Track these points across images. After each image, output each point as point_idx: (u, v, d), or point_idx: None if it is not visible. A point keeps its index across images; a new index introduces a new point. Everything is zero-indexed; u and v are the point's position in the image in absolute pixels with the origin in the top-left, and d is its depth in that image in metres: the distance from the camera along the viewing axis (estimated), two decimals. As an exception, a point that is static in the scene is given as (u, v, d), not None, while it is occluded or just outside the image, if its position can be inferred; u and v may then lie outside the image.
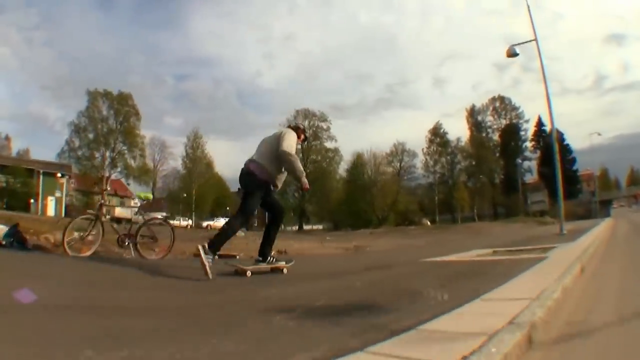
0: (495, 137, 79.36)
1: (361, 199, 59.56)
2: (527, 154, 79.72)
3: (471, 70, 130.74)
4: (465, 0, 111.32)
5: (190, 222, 55.76)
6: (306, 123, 67.47)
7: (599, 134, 50.19)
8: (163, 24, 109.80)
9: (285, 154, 5.14)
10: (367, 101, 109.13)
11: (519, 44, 16.13)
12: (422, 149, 74.20)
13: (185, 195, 62.22)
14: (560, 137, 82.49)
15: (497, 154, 77.93)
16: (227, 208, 61.64)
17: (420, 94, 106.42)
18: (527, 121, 78.74)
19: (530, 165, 79.50)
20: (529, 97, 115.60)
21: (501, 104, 78.90)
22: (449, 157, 74.10)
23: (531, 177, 79.11)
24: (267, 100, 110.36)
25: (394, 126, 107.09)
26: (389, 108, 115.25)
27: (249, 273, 5.09)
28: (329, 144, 69.98)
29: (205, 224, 48.67)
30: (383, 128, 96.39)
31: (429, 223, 55.61)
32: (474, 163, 72.83)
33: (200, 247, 4.73)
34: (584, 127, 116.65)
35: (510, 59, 16.73)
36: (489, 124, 79.23)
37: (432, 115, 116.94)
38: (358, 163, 67.09)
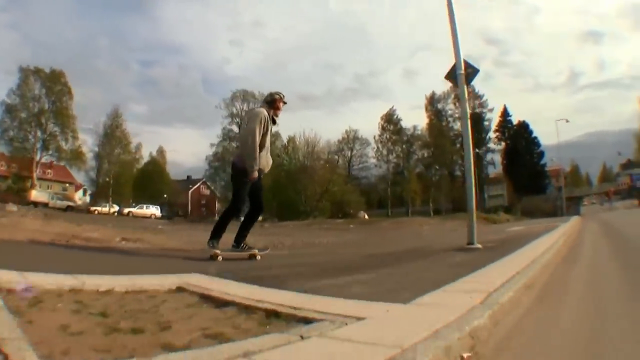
0: (457, 126, 71.54)
1: (290, 186, 50.93)
2: (491, 145, 72.41)
3: (443, 63, 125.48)
4: None
5: (116, 208, 52.53)
6: (244, 106, 60.09)
7: (567, 121, 42.39)
8: (131, 7, 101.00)
9: (244, 135, 5.44)
10: (336, 91, 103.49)
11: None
12: (374, 137, 66.61)
13: (108, 179, 56.77)
14: (526, 128, 75.87)
15: (458, 145, 70.20)
16: (165, 196, 60.14)
17: (390, 85, 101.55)
18: (491, 110, 71.72)
19: (493, 158, 72.08)
20: (501, 93, 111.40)
21: (463, 90, 71.08)
22: (404, 146, 66.40)
23: (494, 171, 72.23)
24: (234, 89, 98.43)
25: (364, 117, 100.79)
26: (358, 99, 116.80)
27: (220, 258, 5.22)
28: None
29: (127, 210, 46.74)
30: (352, 119, 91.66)
31: (365, 216, 47.42)
32: (431, 153, 64.83)
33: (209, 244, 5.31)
34: (558, 124, 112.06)
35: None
36: (449, 112, 71.68)
37: (401, 107, 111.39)
38: (289, 147, 58.17)
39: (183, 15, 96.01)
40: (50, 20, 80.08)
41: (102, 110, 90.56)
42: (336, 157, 65.09)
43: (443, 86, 79.21)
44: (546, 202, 62.29)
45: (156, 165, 64.97)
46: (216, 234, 5.26)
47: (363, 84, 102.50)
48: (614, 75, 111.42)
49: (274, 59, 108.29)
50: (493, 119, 72.60)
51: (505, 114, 74.05)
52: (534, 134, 74.64)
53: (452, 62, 7.62)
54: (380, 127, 67.12)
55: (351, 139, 66.41)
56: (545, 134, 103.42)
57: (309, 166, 54.00)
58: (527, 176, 69.75)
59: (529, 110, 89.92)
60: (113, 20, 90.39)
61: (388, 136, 66.21)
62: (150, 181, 60.25)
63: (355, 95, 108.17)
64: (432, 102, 71.62)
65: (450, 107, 71.51)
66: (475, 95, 71.16)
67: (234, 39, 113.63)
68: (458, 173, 69.36)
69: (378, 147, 66.10)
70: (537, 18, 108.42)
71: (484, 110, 71.43)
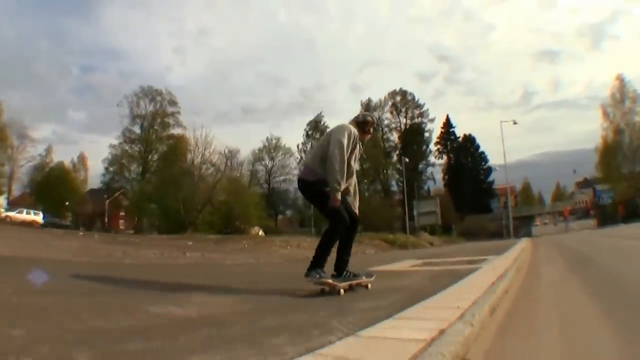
0: (393, 137, 63.29)
1: (171, 194, 39.98)
2: (432, 159, 64.32)
3: (392, 79, 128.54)
4: (390, 6, 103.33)
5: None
6: (150, 107, 51.70)
7: (515, 122, 33.85)
8: (72, 9, 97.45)
9: (330, 152, 4.12)
10: (281, 105, 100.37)
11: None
12: (297, 145, 57.15)
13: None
14: (472, 142, 68.12)
15: (395, 158, 61.89)
16: (67, 203, 53.14)
17: (337, 99, 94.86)
18: (432, 120, 63.53)
19: (433, 173, 63.90)
20: (452, 110, 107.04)
21: (402, 99, 63.03)
22: (330, 156, 56.73)
23: (434, 187, 64.19)
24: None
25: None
26: (303, 113, 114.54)
27: (342, 291, 4.01)
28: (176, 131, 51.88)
29: (4, 214, 38.86)
30: (297, 134, 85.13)
31: (260, 232, 37.11)
32: (362, 165, 55.30)
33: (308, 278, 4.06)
34: (510, 143, 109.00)
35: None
36: (386, 122, 63.28)
37: (346, 122, 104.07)
38: (176, 147, 47.30)
39: (125, 20, 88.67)
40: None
41: (40, 116, 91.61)
42: (252, 167, 55.12)
43: (380, 94, 74.33)
44: (492, 222, 54.54)
45: (62, 172, 57.56)
46: (320, 262, 4.10)
47: (309, 98, 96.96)
48: (570, 95, 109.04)
49: (217, 69, 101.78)
50: (434, 130, 64.30)
51: (447, 124, 66.23)
52: (481, 149, 66.89)
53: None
54: (305, 134, 57.91)
55: (272, 147, 56.29)
56: (496, 154, 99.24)
57: (192, 170, 43.19)
58: (472, 194, 61.72)
59: (480, 129, 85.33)
60: (53, 22, 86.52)
61: (312, 144, 56.60)
62: (52, 188, 53.01)
63: (300, 109, 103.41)
64: (368, 110, 62.75)
65: (387, 116, 63.43)
66: (415, 104, 63.11)
67: (177, 47, 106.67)
68: (394, 189, 61.00)
69: (301, 157, 56.60)
70: (491, 35, 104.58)
71: (424, 121, 63.37)
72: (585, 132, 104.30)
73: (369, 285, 4.35)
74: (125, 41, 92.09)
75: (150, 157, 49.04)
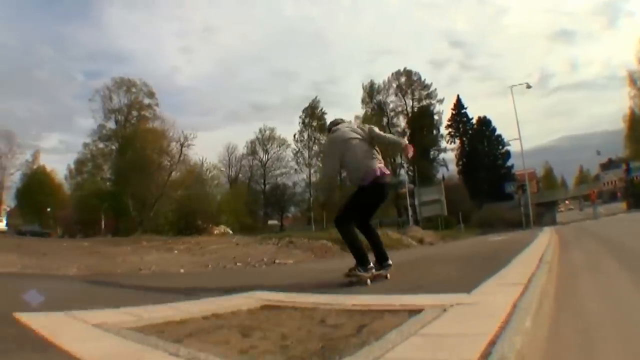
0: (401, 121, 58.57)
1: (122, 190, 35.96)
2: (444, 144, 59.34)
3: (405, 67, 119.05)
4: None
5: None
6: (124, 99, 47.19)
7: (528, 86, 29.12)
8: (73, 14, 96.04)
9: (375, 134, 4.56)
10: (292, 100, 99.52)
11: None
12: (294, 135, 52.90)
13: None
14: (488, 126, 63.01)
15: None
16: (49, 209, 50.31)
17: (350, 92, 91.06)
18: (440, 101, 58.37)
19: (445, 159, 58.95)
20: (468, 97, 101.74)
21: (407, 80, 58.10)
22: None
23: (447, 175, 59.48)
24: (184, 99, 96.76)
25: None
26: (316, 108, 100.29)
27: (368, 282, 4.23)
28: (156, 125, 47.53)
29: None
30: None
31: (228, 231, 32.64)
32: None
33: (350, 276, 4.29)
34: (529, 128, 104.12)
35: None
36: (391, 105, 58.48)
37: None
38: (144, 140, 42.99)
39: (128, 22, 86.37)
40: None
41: (46, 126, 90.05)
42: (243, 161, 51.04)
43: (369, 68, 69.18)
44: (512, 211, 49.45)
45: (43, 176, 54.58)
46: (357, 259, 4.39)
47: (321, 91, 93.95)
48: (588, 76, 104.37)
49: (226, 67, 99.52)
50: (444, 112, 59.26)
51: (458, 106, 61.24)
52: (497, 132, 61.70)
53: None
54: (301, 122, 53.55)
55: (265, 139, 52.14)
56: (515, 140, 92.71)
57: (143, 160, 38.85)
58: (488, 181, 56.66)
59: (497, 114, 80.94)
60: (55, 28, 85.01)
61: (309, 134, 52.41)
62: (33, 194, 50.28)
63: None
64: (371, 94, 58.29)
65: (391, 99, 58.60)
66: (421, 85, 58.18)
67: (183, 46, 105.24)
68: (404, 178, 56.23)
69: (298, 148, 52.35)
70: (505, 19, 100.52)
71: (432, 102, 58.30)
72: (606, 113, 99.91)
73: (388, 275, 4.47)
74: (129, 43, 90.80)
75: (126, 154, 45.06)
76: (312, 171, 52.57)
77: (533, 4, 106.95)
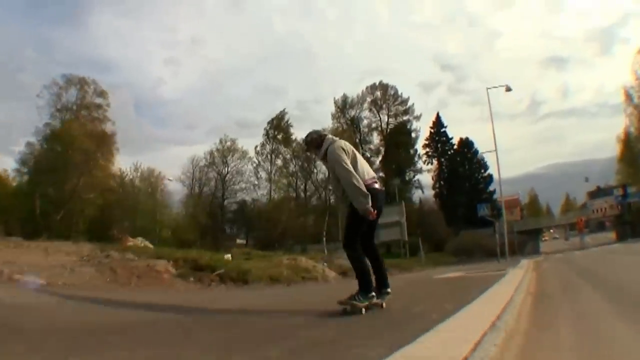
0: (375, 138, 54.18)
1: (32, 190, 30.87)
2: (420, 164, 54.89)
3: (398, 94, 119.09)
4: (390, 12, 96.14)
5: None
6: (74, 94, 41.76)
7: (508, 89, 24.38)
8: (59, 18, 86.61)
9: (341, 178, 4.20)
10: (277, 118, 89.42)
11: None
12: (255, 147, 48.27)
13: None
14: (470, 147, 58.80)
15: (379, 162, 52.79)
16: None
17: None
18: (417, 118, 54.02)
19: (420, 180, 54.45)
20: (457, 121, 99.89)
21: (383, 95, 53.80)
22: (297, 162, 47.92)
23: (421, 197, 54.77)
24: (168, 112, 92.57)
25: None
26: (301, 127, 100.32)
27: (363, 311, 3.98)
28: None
29: None
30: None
31: (143, 244, 27.40)
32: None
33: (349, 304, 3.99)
34: (516, 155, 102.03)
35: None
36: (365, 121, 54.01)
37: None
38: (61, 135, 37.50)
39: (115, 30, 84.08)
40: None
41: (27, 130, 79.51)
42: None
43: (350, 82, 66.55)
44: (491, 238, 45.10)
45: None
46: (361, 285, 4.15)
47: (306, 110, 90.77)
48: (579, 103, 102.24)
49: (211, 81, 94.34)
50: (422, 130, 54.98)
51: (438, 124, 56.93)
52: (480, 154, 57.35)
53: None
54: (265, 134, 48.81)
55: (226, 150, 47.24)
56: (502, 167, 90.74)
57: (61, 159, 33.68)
58: (468, 205, 51.88)
59: (484, 140, 77.80)
60: (40, 32, 77.47)
61: (272, 147, 47.74)
62: None
63: (298, 122, 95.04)
64: (344, 108, 53.91)
65: (365, 114, 54.09)
66: (398, 99, 53.95)
67: (169, 58, 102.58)
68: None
69: (258, 161, 47.56)
70: (497, 43, 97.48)
71: (409, 118, 53.87)
72: (595, 141, 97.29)
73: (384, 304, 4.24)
74: (114, 51, 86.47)
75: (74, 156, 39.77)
76: (273, 187, 47.68)
77: (526, 29, 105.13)
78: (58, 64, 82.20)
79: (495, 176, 49.64)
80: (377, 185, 4.23)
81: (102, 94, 42.34)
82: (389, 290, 4.26)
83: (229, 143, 47.53)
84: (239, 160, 47.94)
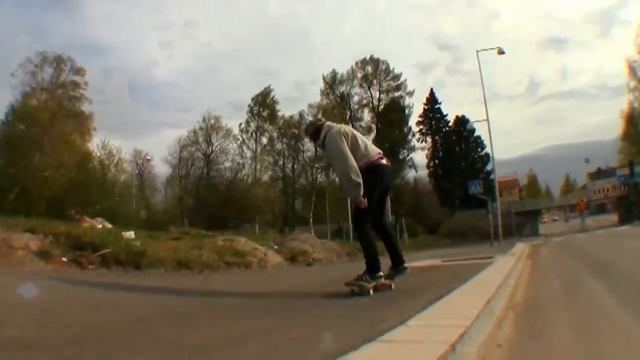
0: (366, 115, 51.65)
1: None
2: (414, 142, 52.32)
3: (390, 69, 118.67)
4: None
5: None
6: (49, 76, 38.51)
7: (501, 52, 21.77)
8: (51, 2, 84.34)
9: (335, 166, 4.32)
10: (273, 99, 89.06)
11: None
12: (239, 125, 46.03)
13: None
14: (465, 125, 56.24)
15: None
16: None
17: None
18: (410, 94, 51.27)
19: (413, 158, 51.93)
20: (455, 102, 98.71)
21: (374, 70, 50.98)
22: (285, 141, 45.54)
23: (415, 177, 52.36)
24: (162, 95, 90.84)
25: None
26: (298, 108, 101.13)
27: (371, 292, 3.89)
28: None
29: None
30: None
31: (101, 225, 24.89)
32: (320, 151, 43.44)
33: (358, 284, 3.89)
34: (515, 137, 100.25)
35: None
36: (356, 98, 51.29)
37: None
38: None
39: (108, 13, 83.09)
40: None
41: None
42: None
43: (347, 64, 65.06)
44: (486, 220, 43.01)
45: None
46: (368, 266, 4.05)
47: (304, 92, 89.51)
48: (578, 85, 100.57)
49: (206, 63, 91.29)
50: (414, 107, 52.33)
51: (432, 100, 54.37)
52: (477, 133, 54.93)
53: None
54: (249, 111, 46.30)
55: (210, 128, 44.76)
56: (500, 148, 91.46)
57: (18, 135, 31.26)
58: (463, 186, 49.60)
59: (483, 122, 75.46)
60: (32, 15, 76.06)
61: (257, 124, 45.27)
62: None
63: (294, 104, 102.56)
64: (333, 84, 51.16)
65: (356, 90, 51.39)
66: (389, 75, 51.21)
67: (163, 40, 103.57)
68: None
69: (243, 139, 45.10)
70: (495, 23, 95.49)
71: (402, 94, 51.17)
72: (595, 123, 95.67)
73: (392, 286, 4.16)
74: (108, 35, 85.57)
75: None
76: (258, 167, 45.28)
77: (524, 10, 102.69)
78: (51, 48, 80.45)
79: (490, 152, 47.59)
80: (383, 161, 4.17)
81: (78, 71, 39.72)
82: (405, 265, 4.14)
83: (212, 121, 44.93)
84: (223, 139, 45.40)
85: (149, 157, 43.06)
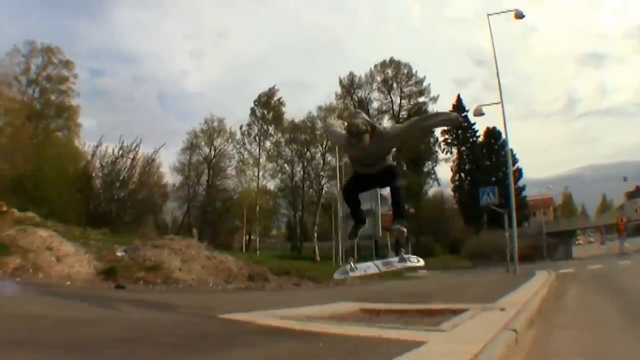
0: (386, 123, 47.90)
1: None
2: (439, 153, 48.82)
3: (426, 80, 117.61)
4: (423, 6, 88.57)
5: None
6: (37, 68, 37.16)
7: (521, 15, 17.66)
8: (80, 8, 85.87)
9: None
10: (304, 112, 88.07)
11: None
12: (240, 127, 43.01)
13: None
14: (497, 138, 52.00)
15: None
16: None
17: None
18: (434, 99, 47.55)
19: (436, 171, 48.21)
20: (490, 120, 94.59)
21: (395, 73, 47.43)
22: (293, 147, 42.54)
23: (434, 191, 48.34)
24: (192, 105, 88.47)
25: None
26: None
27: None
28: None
29: None
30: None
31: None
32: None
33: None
34: (550, 155, 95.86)
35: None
36: (375, 104, 47.91)
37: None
38: None
39: (137, 21, 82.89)
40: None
41: None
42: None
43: (365, 66, 62.65)
44: (520, 240, 38.75)
45: None
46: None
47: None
48: (616, 103, 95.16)
49: (237, 74, 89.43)
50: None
51: (459, 107, 49.96)
52: (509, 145, 50.39)
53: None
54: (251, 114, 43.48)
55: (212, 130, 42.20)
56: (534, 167, 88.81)
57: None
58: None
59: (518, 140, 73.12)
60: (59, 22, 76.27)
61: (261, 128, 42.37)
62: None
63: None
64: (350, 89, 47.90)
65: (375, 95, 47.91)
66: (412, 78, 47.56)
67: (194, 50, 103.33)
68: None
69: (244, 142, 42.20)
70: (532, 38, 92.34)
71: (425, 100, 47.47)
72: (632, 143, 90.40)
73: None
74: (138, 43, 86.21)
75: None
76: (261, 174, 42.21)
77: (562, 24, 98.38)
78: (78, 56, 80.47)
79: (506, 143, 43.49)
80: None
81: (67, 64, 37.97)
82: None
83: (215, 123, 42.29)
84: (226, 143, 42.71)
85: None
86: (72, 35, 78.32)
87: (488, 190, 16.51)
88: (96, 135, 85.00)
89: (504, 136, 41.70)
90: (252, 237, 42.33)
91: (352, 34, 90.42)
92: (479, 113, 12.60)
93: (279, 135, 42.94)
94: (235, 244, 39.57)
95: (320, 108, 42.19)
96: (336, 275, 4.41)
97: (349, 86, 47.65)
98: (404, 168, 46.65)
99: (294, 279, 10.32)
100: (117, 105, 80.00)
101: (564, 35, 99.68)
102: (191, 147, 42.13)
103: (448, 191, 49.41)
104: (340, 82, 47.37)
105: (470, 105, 46.89)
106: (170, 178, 42.94)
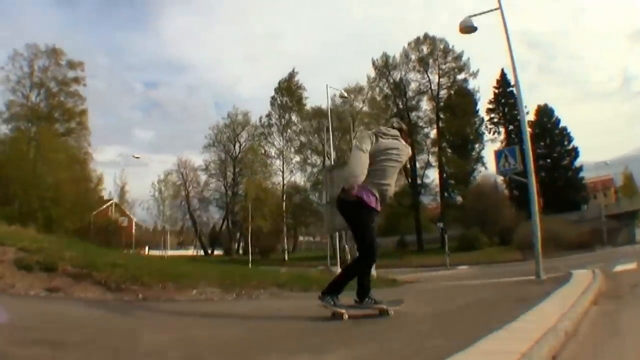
0: (424, 104, 44.62)
1: None
2: (484, 133, 45.12)
3: (482, 73, 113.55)
4: None
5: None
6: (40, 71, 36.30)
7: None
8: (130, 22, 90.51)
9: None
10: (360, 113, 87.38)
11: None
12: (259, 118, 41.84)
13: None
14: (550, 116, 47.62)
15: (432, 136, 43.77)
16: None
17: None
18: (474, 74, 43.50)
19: (481, 153, 44.35)
20: (550, 103, 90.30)
21: (430, 49, 43.62)
22: (320, 135, 39.86)
23: (480, 175, 43.97)
24: (249, 110, 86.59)
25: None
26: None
27: (345, 317, 3.81)
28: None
29: None
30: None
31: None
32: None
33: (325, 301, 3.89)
34: (608, 137, 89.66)
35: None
36: (412, 85, 44.37)
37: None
38: None
39: (188, 30, 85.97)
40: (40, 36, 73.10)
41: (104, 138, 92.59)
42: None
43: (399, 46, 58.99)
44: (577, 225, 34.55)
45: None
46: (336, 289, 3.92)
47: None
48: None
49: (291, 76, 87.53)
50: (480, 89, 44.64)
51: (503, 83, 45.77)
52: (561, 124, 46.31)
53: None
54: (272, 102, 41.06)
55: (236, 125, 39.95)
56: (592, 150, 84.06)
57: None
58: (547, 186, 40.89)
59: (576, 122, 69.15)
60: (111, 37, 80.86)
61: (281, 114, 39.71)
62: None
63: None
64: (385, 70, 44.45)
65: (411, 76, 44.34)
66: (450, 54, 43.68)
67: (248, 54, 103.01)
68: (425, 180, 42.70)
69: (265, 134, 39.79)
70: (583, 18, 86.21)
71: (466, 77, 43.53)
72: None
73: (391, 312, 3.89)
74: (189, 51, 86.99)
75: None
76: (285, 167, 39.58)
77: (610, 2, 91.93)
78: (132, 68, 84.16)
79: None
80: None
81: (74, 65, 36.77)
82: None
83: (240, 117, 39.94)
84: (250, 138, 40.42)
85: (136, 156, 38.90)
86: (126, 49, 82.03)
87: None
88: (156, 146, 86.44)
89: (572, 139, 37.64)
90: (299, 239, 40.34)
91: (403, 25, 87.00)
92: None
93: (302, 123, 40.05)
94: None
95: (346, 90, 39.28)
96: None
97: (383, 67, 44.19)
98: (449, 154, 43.25)
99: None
100: (173, 115, 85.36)
101: (614, 12, 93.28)
102: (211, 144, 40.12)
103: (494, 175, 45.29)
104: (374, 63, 44.08)
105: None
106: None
